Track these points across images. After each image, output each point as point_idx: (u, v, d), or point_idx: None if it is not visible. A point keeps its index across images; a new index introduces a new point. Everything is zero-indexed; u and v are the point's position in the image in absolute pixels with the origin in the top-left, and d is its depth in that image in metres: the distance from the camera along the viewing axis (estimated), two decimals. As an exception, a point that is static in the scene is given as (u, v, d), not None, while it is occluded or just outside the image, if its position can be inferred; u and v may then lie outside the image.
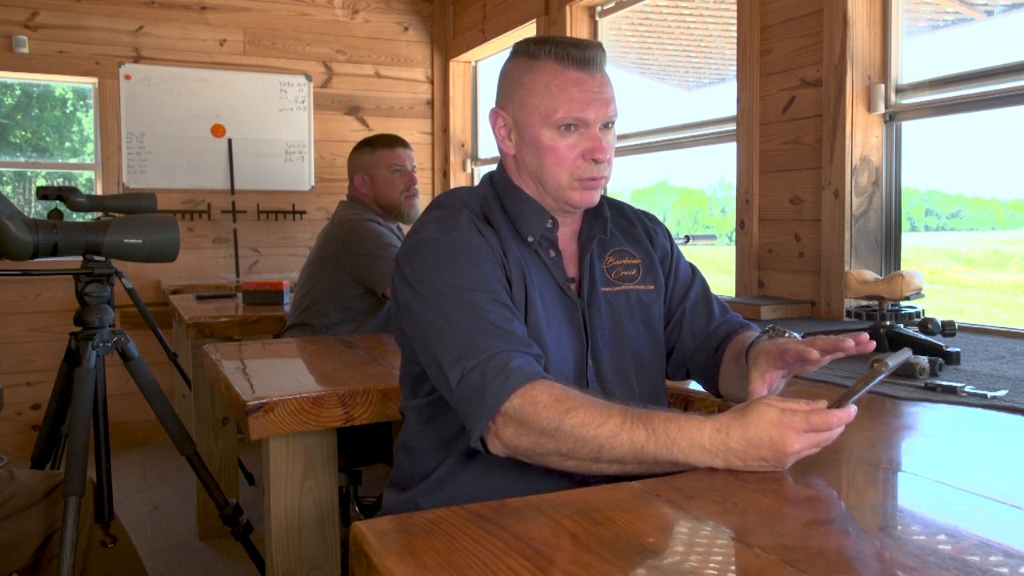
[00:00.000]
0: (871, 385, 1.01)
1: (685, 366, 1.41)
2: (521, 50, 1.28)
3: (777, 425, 0.96)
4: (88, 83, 4.34)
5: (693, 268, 1.46)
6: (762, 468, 0.97)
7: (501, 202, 1.31)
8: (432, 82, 5.02)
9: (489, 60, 4.86)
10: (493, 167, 1.40)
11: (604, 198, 1.36)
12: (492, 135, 1.33)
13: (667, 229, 1.46)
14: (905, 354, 1.06)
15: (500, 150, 1.33)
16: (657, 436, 1.00)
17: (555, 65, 1.23)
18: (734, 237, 2.86)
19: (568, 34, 3.72)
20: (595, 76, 1.24)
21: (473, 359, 1.09)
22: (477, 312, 1.13)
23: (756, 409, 0.98)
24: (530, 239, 1.28)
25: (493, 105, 1.33)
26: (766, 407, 0.98)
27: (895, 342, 1.74)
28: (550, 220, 1.29)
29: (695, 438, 0.99)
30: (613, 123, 1.27)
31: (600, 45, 1.27)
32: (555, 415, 1.03)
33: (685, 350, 1.39)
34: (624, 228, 1.41)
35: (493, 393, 1.06)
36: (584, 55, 1.23)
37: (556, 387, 1.06)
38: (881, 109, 2.40)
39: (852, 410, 0.99)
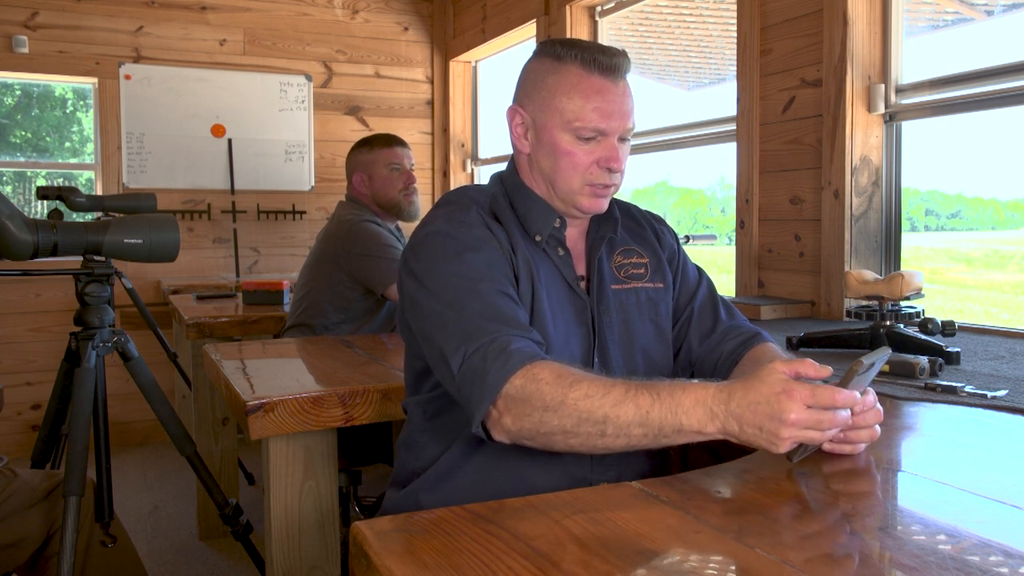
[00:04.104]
0: (850, 386, 0.98)
1: (691, 367, 1.41)
2: (546, 50, 1.28)
3: (780, 391, 0.94)
4: (88, 83, 4.34)
5: (700, 270, 1.47)
6: (756, 440, 0.95)
7: (510, 200, 1.31)
8: (432, 82, 5.02)
9: (489, 60, 4.85)
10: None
11: (612, 199, 1.37)
12: (508, 132, 1.32)
13: (674, 231, 1.47)
14: (884, 352, 1.05)
15: (514, 147, 1.33)
16: (662, 400, 0.99)
17: (581, 70, 1.23)
18: (734, 237, 2.86)
19: (568, 35, 3.72)
20: (619, 85, 1.24)
21: (475, 343, 1.08)
22: (482, 300, 1.13)
23: (762, 374, 0.98)
24: (538, 238, 1.28)
25: (511, 102, 1.32)
26: (773, 372, 0.97)
27: (895, 342, 1.74)
28: (558, 220, 1.30)
29: (699, 396, 0.98)
30: (630, 135, 1.28)
31: (625, 53, 1.26)
32: (558, 389, 1.02)
33: (692, 351, 1.40)
34: (632, 229, 1.41)
35: (494, 375, 1.05)
36: (611, 62, 1.23)
37: (557, 365, 1.06)
38: (881, 109, 2.40)
39: (856, 394, 0.97)
